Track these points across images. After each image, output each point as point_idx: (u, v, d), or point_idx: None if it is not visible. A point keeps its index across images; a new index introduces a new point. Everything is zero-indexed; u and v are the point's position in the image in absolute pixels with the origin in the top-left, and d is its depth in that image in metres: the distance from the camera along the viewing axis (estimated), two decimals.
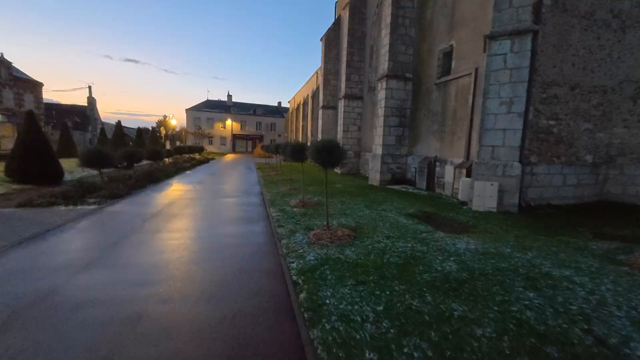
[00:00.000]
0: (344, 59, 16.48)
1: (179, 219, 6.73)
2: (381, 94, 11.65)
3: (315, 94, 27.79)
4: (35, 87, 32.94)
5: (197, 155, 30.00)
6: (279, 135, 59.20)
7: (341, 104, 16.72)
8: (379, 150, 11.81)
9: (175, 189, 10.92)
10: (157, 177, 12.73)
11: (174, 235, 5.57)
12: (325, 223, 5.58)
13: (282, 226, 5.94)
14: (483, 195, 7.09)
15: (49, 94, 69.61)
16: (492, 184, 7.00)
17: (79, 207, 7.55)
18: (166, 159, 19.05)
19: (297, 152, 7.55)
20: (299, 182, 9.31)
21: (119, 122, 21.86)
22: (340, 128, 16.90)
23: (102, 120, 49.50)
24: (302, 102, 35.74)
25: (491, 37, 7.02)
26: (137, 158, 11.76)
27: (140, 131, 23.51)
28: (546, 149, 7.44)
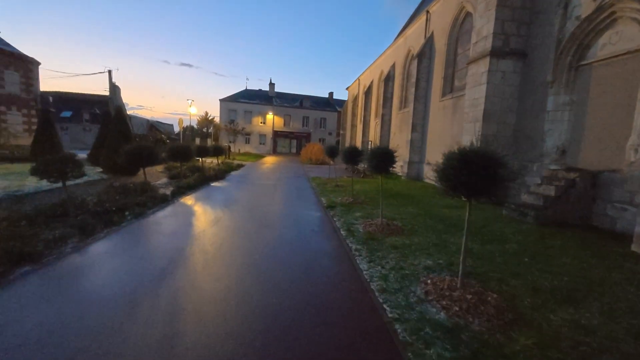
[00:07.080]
0: None
1: None
2: None
3: (423, 51, 14.69)
4: (24, 64, 24.86)
5: (215, 161, 18.88)
6: (330, 134, 47.02)
7: None
8: None
9: None
10: None
11: None
12: None
13: None
14: None
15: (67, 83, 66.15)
16: None
17: None
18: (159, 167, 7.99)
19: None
20: None
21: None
22: None
23: (133, 115, 41.87)
24: (378, 79, 22.74)
25: None
26: None
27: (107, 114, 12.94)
28: None
